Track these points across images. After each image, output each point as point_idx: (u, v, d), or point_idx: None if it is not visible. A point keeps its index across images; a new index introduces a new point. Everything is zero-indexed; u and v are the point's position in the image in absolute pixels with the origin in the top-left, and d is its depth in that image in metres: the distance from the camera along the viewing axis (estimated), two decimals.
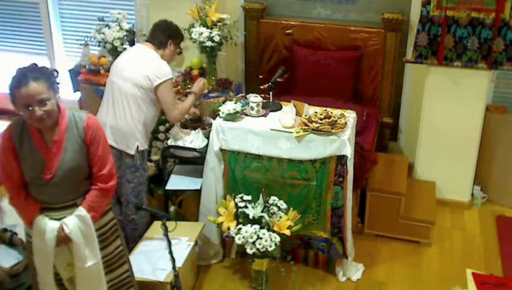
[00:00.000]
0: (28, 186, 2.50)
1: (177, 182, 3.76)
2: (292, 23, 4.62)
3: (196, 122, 3.92)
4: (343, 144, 3.21)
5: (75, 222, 2.50)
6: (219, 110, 3.47)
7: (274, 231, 3.19)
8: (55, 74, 2.45)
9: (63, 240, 2.50)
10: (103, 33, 4.48)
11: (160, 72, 3.37)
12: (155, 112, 3.51)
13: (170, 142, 3.74)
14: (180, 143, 3.69)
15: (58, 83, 2.44)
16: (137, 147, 3.42)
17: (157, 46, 3.49)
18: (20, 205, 2.51)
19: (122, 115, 3.36)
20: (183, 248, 3.33)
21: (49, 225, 2.47)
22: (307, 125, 3.26)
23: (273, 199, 3.30)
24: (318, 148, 3.24)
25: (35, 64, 2.42)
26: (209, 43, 4.15)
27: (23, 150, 2.44)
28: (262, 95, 3.56)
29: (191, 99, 3.63)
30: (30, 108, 2.33)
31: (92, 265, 2.55)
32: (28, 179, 2.48)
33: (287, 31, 4.63)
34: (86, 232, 2.52)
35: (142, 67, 3.37)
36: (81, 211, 2.51)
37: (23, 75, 2.33)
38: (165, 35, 3.51)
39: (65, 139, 2.46)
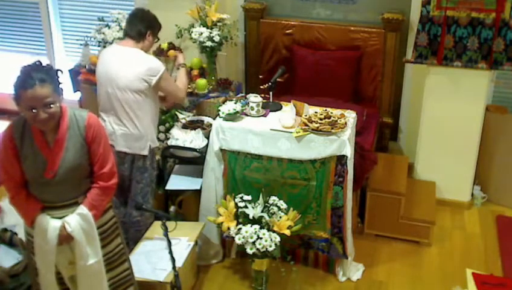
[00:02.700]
0: (29, 185, 2.50)
1: (177, 182, 3.76)
2: (292, 23, 4.62)
3: (196, 122, 3.93)
4: (343, 144, 3.21)
5: (77, 220, 2.50)
6: (219, 110, 3.47)
7: (274, 231, 3.19)
8: (60, 74, 2.43)
9: (65, 238, 2.50)
10: (103, 33, 4.47)
11: (153, 70, 3.30)
12: (157, 105, 3.49)
13: (170, 142, 3.74)
14: (180, 143, 3.70)
15: (61, 83, 2.43)
16: (150, 146, 3.41)
17: (136, 39, 3.38)
18: (21, 205, 2.51)
19: (131, 123, 3.32)
20: (183, 248, 3.34)
21: (51, 224, 2.47)
22: (307, 125, 3.26)
23: (273, 199, 3.30)
24: (318, 148, 3.24)
25: (39, 62, 2.39)
26: (209, 43, 4.15)
27: (24, 149, 2.44)
28: (262, 95, 3.56)
29: (183, 71, 3.66)
30: (34, 110, 2.32)
31: (93, 263, 2.56)
32: (29, 178, 2.47)
33: (287, 31, 4.64)
34: (87, 231, 2.52)
35: (134, 71, 3.28)
36: (83, 209, 2.52)
37: (29, 76, 2.30)
38: (144, 26, 3.38)
39: (67, 138, 2.46)
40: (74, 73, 4.71)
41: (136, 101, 3.31)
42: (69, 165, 2.45)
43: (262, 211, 3.24)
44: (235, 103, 3.49)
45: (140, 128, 3.35)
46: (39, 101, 2.31)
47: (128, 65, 3.31)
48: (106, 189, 2.58)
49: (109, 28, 4.50)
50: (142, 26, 3.38)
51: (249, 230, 3.17)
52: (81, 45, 4.88)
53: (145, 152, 3.39)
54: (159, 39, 3.59)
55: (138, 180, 3.46)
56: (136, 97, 3.31)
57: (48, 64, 2.42)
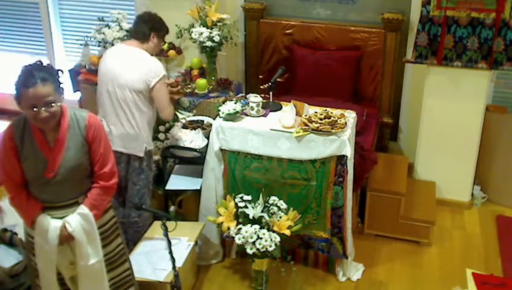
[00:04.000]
0: (29, 185, 2.50)
1: (177, 182, 3.76)
2: (292, 23, 4.62)
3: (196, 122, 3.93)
4: (343, 144, 3.21)
5: (78, 220, 2.50)
6: (219, 110, 3.47)
7: (274, 231, 3.19)
8: (61, 74, 2.44)
9: (66, 238, 2.50)
10: (103, 33, 4.48)
11: (154, 71, 3.32)
12: (154, 109, 3.51)
13: (170, 142, 3.74)
14: (180, 143, 3.70)
15: (62, 83, 2.43)
16: (145, 147, 3.42)
17: (141, 41, 3.41)
18: (21, 205, 2.51)
19: (127, 122, 3.34)
20: (183, 248, 3.34)
21: (51, 224, 2.47)
22: (307, 125, 3.26)
23: (273, 199, 3.30)
24: (318, 148, 3.24)
25: (40, 62, 2.40)
26: (209, 43, 4.15)
27: (24, 150, 2.44)
28: (262, 95, 3.56)
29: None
30: (35, 109, 2.32)
31: (94, 263, 2.56)
32: (29, 178, 2.47)
33: (287, 31, 4.64)
34: (88, 231, 2.52)
35: (135, 71, 3.30)
36: (83, 209, 2.52)
37: (31, 74, 2.31)
38: (148, 27, 3.41)
39: (67, 138, 2.46)
40: (74, 73, 4.71)
41: (134, 101, 3.32)
42: (69, 165, 2.46)
43: (262, 211, 3.24)
44: (235, 103, 3.49)
45: (137, 129, 3.35)
46: (40, 100, 2.31)
47: (131, 64, 3.33)
48: (107, 189, 2.58)
49: (109, 28, 4.50)
50: (146, 28, 3.41)
51: (249, 230, 3.17)
52: (81, 45, 4.89)
53: (141, 153, 3.40)
54: (165, 42, 3.60)
55: (134, 182, 3.46)
56: (134, 97, 3.31)
57: (48, 64, 2.43)
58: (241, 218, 3.27)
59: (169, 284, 3.06)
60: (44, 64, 2.40)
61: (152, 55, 3.45)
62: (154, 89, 3.34)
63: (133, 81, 3.30)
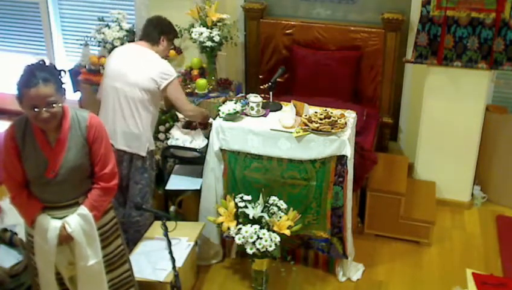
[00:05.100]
0: (30, 185, 2.50)
1: (177, 182, 3.76)
2: (292, 23, 4.62)
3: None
4: (343, 144, 3.21)
5: (77, 220, 2.50)
6: (219, 110, 3.47)
7: (274, 231, 3.19)
8: (63, 74, 2.44)
9: (65, 239, 2.50)
10: (103, 33, 4.48)
11: (165, 73, 3.36)
12: (158, 110, 3.54)
13: (170, 142, 3.74)
14: (180, 143, 3.70)
15: (64, 83, 2.43)
16: (148, 147, 3.43)
17: (151, 43, 3.46)
18: (22, 204, 2.51)
19: (132, 120, 3.35)
20: (183, 248, 3.34)
21: (51, 224, 2.48)
22: (307, 125, 3.26)
23: (273, 199, 3.30)
24: (318, 148, 3.24)
25: (43, 61, 2.40)
26: (209, 43, 4.16)
27: (25, 149, 2.44)
28: (262, 95, 3.56)
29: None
30: (36, 109, 2.32)
31: (93, 264, 2.56)
32: (30, 178, 2.47)
33: (287, 31, 4.64)
34: (88, 231, 2.52)
35: (145, 70, 3.33)
36: (83, 209, 2.52)
37: (33, 74, 2.31)
38: (157, 31, 3.47)
39: (68, 138, 2.46)
40: (74, 73, 4.71)
41: (141, 100, 3.34)
42: (70, 165, 2.46)
43: (262, 211, 3.24)
44: (235, 103, 3.49)
45: (141, 128, 3.36)
46: (42, 100, 2.31)
47: (143, 63, 3.37)
48: (107, 190, 2.58)
49: (109, 28, 4.51)
50: (155, 32, 3.46)
51: (249, 230, 3.17)
52: (81, 45, 4.89)
53: (143, 153, 3.41)
54: (174, 46, 3.62)
55: (137, 181, 3.47)
56: (143, 95, 3.34)
57: (51, 64, 2.43)
58: (241, 218, 3.27)
59: (169, 284, 3.06)
60: (47, 64, 2.40)
61: (162, 57, 3.48)
62: (168, 90, 3.38)
63: (143, 79, 3.32)
